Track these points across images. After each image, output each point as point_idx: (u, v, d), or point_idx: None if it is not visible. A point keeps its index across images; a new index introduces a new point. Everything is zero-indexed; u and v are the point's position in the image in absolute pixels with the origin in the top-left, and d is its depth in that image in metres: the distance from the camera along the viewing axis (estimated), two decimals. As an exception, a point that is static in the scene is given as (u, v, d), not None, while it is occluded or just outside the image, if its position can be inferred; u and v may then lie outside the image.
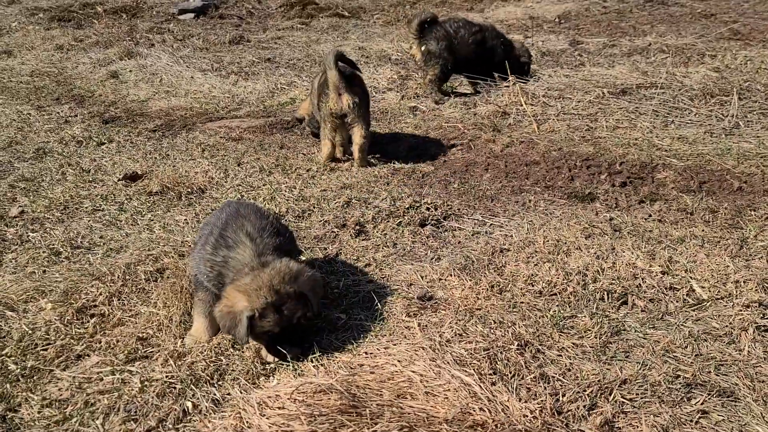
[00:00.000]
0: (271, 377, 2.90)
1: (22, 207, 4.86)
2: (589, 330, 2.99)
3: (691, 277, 3.31)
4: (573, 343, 2.90)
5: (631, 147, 5.33)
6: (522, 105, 6.28)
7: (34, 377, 2.97)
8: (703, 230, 3.79)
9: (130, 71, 9.58)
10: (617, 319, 3.09)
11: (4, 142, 6.58)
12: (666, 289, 3.26)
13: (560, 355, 2.83)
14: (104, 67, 10.01)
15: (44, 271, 3.89)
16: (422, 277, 3.59)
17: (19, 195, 5.14)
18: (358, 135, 5.32)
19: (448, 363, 2.69)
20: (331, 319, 3.26)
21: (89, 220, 4.60)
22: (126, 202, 4.92)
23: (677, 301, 3.18)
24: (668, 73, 6.59)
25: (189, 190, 5.02)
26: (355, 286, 3.57)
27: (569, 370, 2.74)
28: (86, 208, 4.83)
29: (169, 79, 9.05)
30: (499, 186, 4.80)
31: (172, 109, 7.77)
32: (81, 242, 4.25)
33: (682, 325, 3.03)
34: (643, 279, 3.33)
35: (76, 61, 10.76)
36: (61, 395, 2.84)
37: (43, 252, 4.10)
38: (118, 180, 5.27)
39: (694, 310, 3.12)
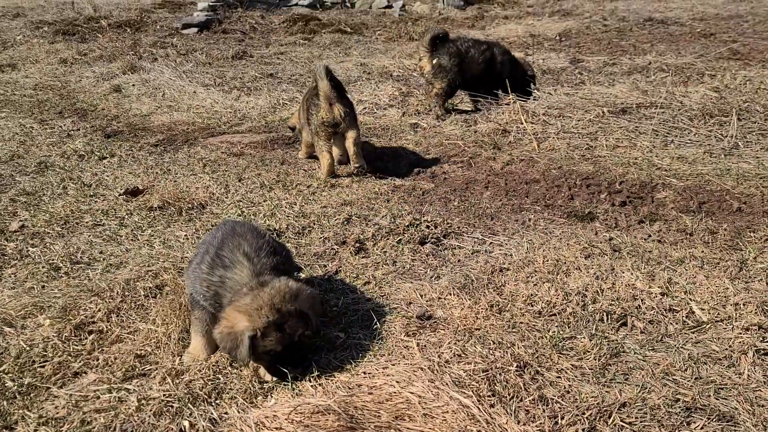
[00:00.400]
0: (269, 396, 2.89)
1: (23, 221, 4.86)
2: (589, 351, 2.98)
3: (690, 299, 3.30)
4: (572, 365, 2.89)
5: (630, 166, 5.35)
6: (522, 123, 6.31)
7: (31, 394, 2.96)
8: (702, 251, 3.79)
9: (133, 85, 9.64)
10: (616, 340, 3.08)
11: (6, 155, 6.60)
12: (665, 310, 3.25)
13: (559, 377, 2.82)
14: (107, 81, 10.07)
15: (43, 287, 3.89)
16: (421, 296, 3.59)
17: (19, 209, 5.14)
18: (351, 139, 5.46)
19: (447, 384, 2.68)
20: (330, 338, 3.25)
21: (89, 235, 4.60)
22: (126, 217, 4.93)
23: (677, 323, 3.18)
24: (668, 92, 6.62)
25: (190, 205, 5.03)
26: (354, 305, 3.57)
27: (568, 392, 2.72)
28: (87, 222, 4.84)
29: (171, 93, 9.11)
30: (499, 204, 4.81)
31: (174, 124, 7.81)
32: (81, 257, 4.25)
33: (681, 347, 3.02)
34: (642, 300, 3.32)
35: (79, 74, 10.84)
36: (57, 413, 2.83)
37: (43, 267, 4.10)
38: (119, 195, 5.29)
39: (693, 332, 3.12)
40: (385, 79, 8.99)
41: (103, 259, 4.23)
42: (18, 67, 11.84)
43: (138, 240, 4.53)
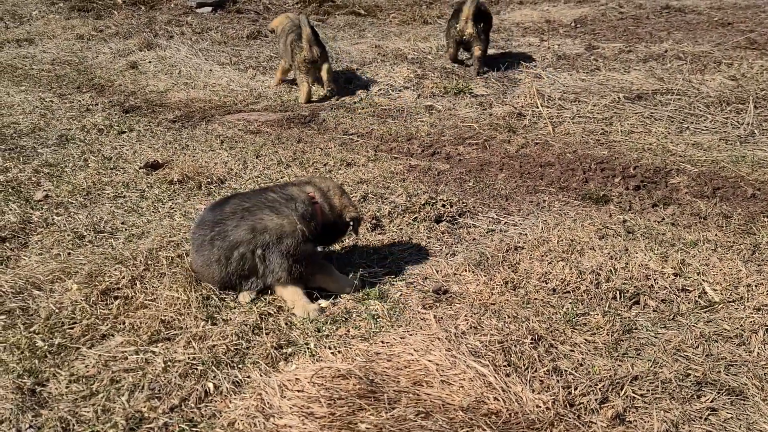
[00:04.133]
0: (290, 362, 2.98)
1: (47, 191, 4.96)
2: (602, 327, 3.06)
3: (703, 280, 3.37)
4: (585, 339, 2.97)
5: (645, 152, 5.39)
6: (538, 107, 6.34)
7: (62, 354, 3.07)
8: (716, 235, 3.85)
9: (150, 62, 9.70)
10: (629, 318, 3.16)
11: (27, 128, 6.70)
12: (678, 290, 3.32)
13: (573, 351, 2.90)
14: (124, 57, 10.14)
15: (69, 254, 3.99)
16: (437, 272, 3.67)
17: (43, 179, 5.25)
18: (326, 72, 7.45)
19: (464, 354, 2.76)
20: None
21: (111, 206, 4.70)
22: (147, 189, 5.02)
23: (689, 303, 3.24)
24: (684, 79, 6.63)
25: (209, 180, 5.11)
26: (371, 278, 3.65)
27: (581, 364, 2.81)
28: (108, 194, 4.94)
29: (187, 71, 9.17)
30: (513, 186, 4.87)
31: (191, 101, 7.88)
32: (104, 227, 4.35)
33: (693, 325, 3.09)
34: (655, 280, 3.39)
35: (96, 50, 10.90)
36: (87, 372, 2.93)
37: (68, 235, 4.20)
38: (140, 168, 5.38)
39: (705, 312, 3.18)
40: (399, 62, 9.01)
41: (126, 229, 4.33)
42: (35, 42, 11.92)
43: (159, 212, 4.63)
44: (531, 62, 8.88)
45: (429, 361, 2.75)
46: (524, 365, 2.75)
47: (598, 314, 3.16)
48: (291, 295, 3.42)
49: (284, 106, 7.54)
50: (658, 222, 4.10)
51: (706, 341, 2.95)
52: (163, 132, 6.53)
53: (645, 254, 3.60)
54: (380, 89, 7.78)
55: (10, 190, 4.96)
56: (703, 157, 5.21)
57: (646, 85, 6.39)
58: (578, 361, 2.83)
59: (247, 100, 7.85)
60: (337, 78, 8.42)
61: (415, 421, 2.39)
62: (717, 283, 3.33)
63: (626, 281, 3.39)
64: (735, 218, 4.06)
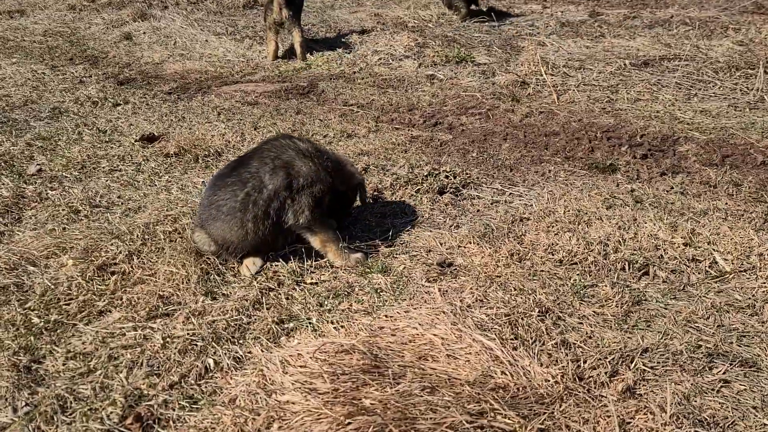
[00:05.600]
0: (292, 337, 2.92)
1: (40, 165, 4.86)
2: (610, 299, 2.99)
3: (713, 250, 3.28)
4: (594, 312, 2.90)
5: (652, 119, 5.27)
6: (542, 75, 6.20)
7: (58, 330, 3.00)
8: (726, 203, 3.76)
9: (144, 33, 9.51)
10: (638, 289, 3.08)
11: (20, 100, 6.57)
12: (688, 260, 3.24)
13: (581, 323, 2.83)
14: (117, 28, 9.94)
15: (64, 229, 3.90)
16: (441, 244, 3.58)
17: (36, 153, 5.14)
18: (296, 36, 7.91)
19: (470, 327, 2.69)
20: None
21: (107, 180, 4.60)
22: (143, 163, 4.91)
23: (699, 273, 3.17)
24: (692, 45, 6.48)
25: (206, 152, 5.00)
26: (372, 251, 3.57)
27: (590, 337, 2.74)
28: (104, 167, 4.83)
29: (183, 42, 8.99)
30: (518, 156, 4.76)
31: (187, 72, 7.72)
32: (99, 201, 4.26)
33: (704, 296, 3.01)
34: (665, 250, 3.31)
35: (88, 21, 10.70)
36: (84, 348, 2.87)
37: (63, 210, 4.11)
38: (135, 141, 5.26)
39: (716, 282, 3.11)
40: (400, 30, 8.82)
41: (122, 204, 4.24)
42: (26, 12, 11.70)
43: (155, 185, 4.53)
44: (534, 29, 8.69)
45: (434, 335, 2.68)
46: (532, 338, 2.68)
47: (606, 286, 3.08)
48: (326, 242, 3.44)
49: (282, 76, 7.39)
50: (667, 191, 4.01)
51: (717, 312, 2.88)
52: (158, 104, 6.40)
53: (654, 224, 3.51)
54: (380, 58, 7.61)
55: (2, 164, 4.85)
56: (712, 125, 5.09)
57: (653, 51, 6.24)
58: (587, 333, 2.76)
59: (244, 71, 7.69)
60: (334, 45, 8.26)
61: (421, 396, 2.33)
62: (728, 253, 3.25)
63: (635, 252, 3.31)
64: (746, 186, 3.97)
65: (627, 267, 3.23)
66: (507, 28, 8.95)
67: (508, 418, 2.18)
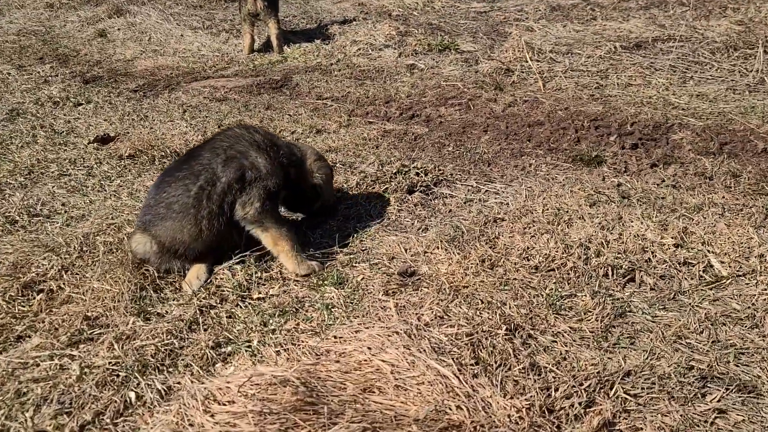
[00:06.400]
0: (229, 363, 2.57)
1: (-16, 172, 4.52)
2: (590, 311, 2.62)
3: (708, 251, 2.91)
4: (570, 327, 2.54)
5: (644, 106, 4.88)
6: (527, 61, 5.81)
7: (-33, 362, 2.66)
8: (723, 197, 3.38)
9: (119, 29, 9.15)
10: (622, 298, 2.72)
11: (-22, 103, 6.23)
12: (679, 264, 2.87)
13: (555, 341, 2.46)
14: (92, 25, 9.59)
15: (-4, 242, 3.56)
16: (406, 250, 3.22)
17: (-16, 159, 4.80)
18: (272, 27, 7.49)
19: (425, 351, 2.34)
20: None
21: (53, 186, 4.25)
22: (95, 166, 4.56)
23: (692, 278, 2.80)
24: (688, 25, 6.07)
25: (162, 153, 4.65)
26: (329, 260, 3.21)
27: (564, 359, 2.38)
28: (52, 172, 4.48)
29: (157, 37, 8.62)
30: (497, 149, 4.38)
31: (157, 69, 7.36)
32: (40, 210, 3.91)
33: (697, 306, 2.64)
34: (653, 253, 2.94)
35: (64, 19, 10.35)
36: (-9, 383, 2.53)
37: (-2, 221, 3.77)
38: (89, 143, 4.91)
39: (711, 289, 2.74)
40: (382, 19, 8.43)
41: (65, 212, 3.89)
42: (2, 12, 11.34)
43: (104, 190, 4.18)
44: (523, 14, 8.28)
45: (383, 361, 2.32)
46: (496, 362, 2.32)
47: (586, 295, 2.72)
48: (279, 240, 3.12)
49: (256, 70, 7.02)
50: (658, 184, 3.63)
51: (712, 325, 2.51)
52: (122, 103, 6.04)
53: (641, 222, 3.14)
54: (359, 49, 7.23)
55: (-56, 172, 4.51)
56: (709, 110, 4.70)
57: (646, 33, 5.84)
58: (561, 354, 2.40)
59: (218, 66, 7.33)
60: (313, 37, 7.89)
61: (360, 439, 1.97)
62: (724, 254, 2.88)
63: (619, 255, 2.94)
64: (745, 177, 3.59)
65: (610, 273, 2.87)
66: (495, 14, 8.55)
67: (458, 468, 1.83)
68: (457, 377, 2.20)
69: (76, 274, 3.19)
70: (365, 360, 2.35)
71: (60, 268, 3.21)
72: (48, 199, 4.05)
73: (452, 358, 2.30)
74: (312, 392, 2.17)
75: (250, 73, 6.89)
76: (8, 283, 3.09)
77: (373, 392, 2.21)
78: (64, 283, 3.11)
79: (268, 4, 7.35)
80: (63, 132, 5.28)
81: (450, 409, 2.09)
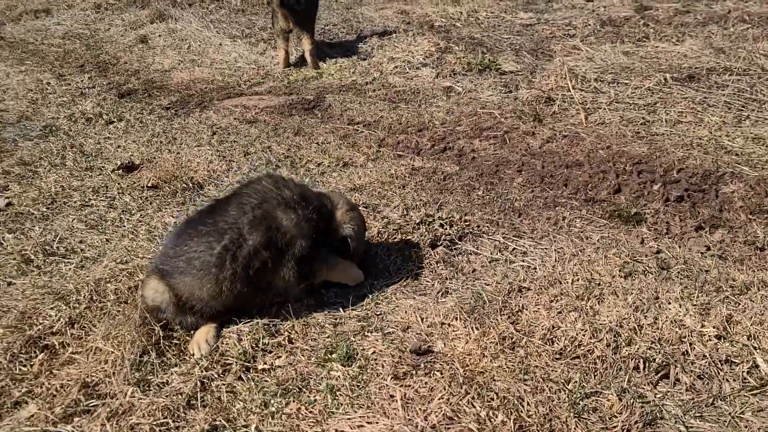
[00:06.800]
0: (223, 450, 2.44)
1: (9, 199, 4.51)
2: (616, 416, 2.38)
3: (755, 347, 2.62)
4: (592, 438, 2.30)
5: (693, 148, 4.52)
6: (569, 90, 5.49)
7: (-38, 429, 2.60)
8: (776, 276, 3.06)
9: (159, 36, 9.17)
10: (653, 401, 2.46)
11: (15, 116, 6.29)
12: (721, 362, 2.59)
13: (574, 455, 2.24)
14: (135, 30, 9.64)
15: (9, 284, 3.52)
16: (422, 319, 3.02)
17: (12, 182, 4.80)
18: (306, 43, 7.28)
19: (427, 463, 2.14)
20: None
21: (73, 219, 4.20)
22: (118, 197, 4.50)
23: (734, 380, 2.52)
24: (747, 51, 5.64)
25: (185, 185, 4.56)
26: (339, 326, 3.04)
27: (583, 479, 2.15)
28: (74, 202, 4.45)
29: (196, 46, 8.59)
30: (530, 196, 4.12)
31: (192, 82, 7.31)
32: (57, 248, 3.86)
33: (737, 416, 2.37)
34: (691, 344, 2.66)
35: (109, 22, 10.45)
36: (-20, 459, 2.46)
37: (13, 259, 3.73)
38: (113, 170, 4.86)
39: (755, 395, 2.46)
40: (423, 31, 8.17)
41: (81, 251, 3.83)
42: (52, 12, 11.54)
43: (123, 226, 4.11)
44: (570, 29, 7.91)
45: (381, 472, 2.14)
46: (505, 482, 2.11)
47: (613, 393, 2.47)
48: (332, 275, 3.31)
49: (290, 87, 6.88)
50: (702, 253, 3.32)
51: (755, 447, 2.24)
52: (153, 121, 6.00)
53: (680, 305, 2.86)
54: (396, 66, 7.01)
55: (-29, 198, 4.52)
56: (765, 156, 4.32)
57: (701, 61, 5.44)
58: (579, 473, 2.17)
59: (252, 80, 7.22)
60: (351, 50, 7.70)
61: None
62: (773, 353, 2.58)
63: (653, 345, 2.68)
64: (802, 251, 3.25)
65: (642, 366, 2.61)
66: (542, 28, 8.20)
67: None
68: (460, 502, 2.00)
69: (83, 327, 3.11)
70: (362, 469, 2.17)
71: (67, 320, 3.14)
72: (66, 235, 3.99)
73: (456, 476, 2.10)
74: None
75: (284, 91, 6.75)
76: (13, 336, 3.03)
77: None
78: (67, 340, 3.03)
79: (301, 20, 7.18)
80: (91, 155, 5.25)
81: None
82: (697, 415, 2.40)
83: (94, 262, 3.71)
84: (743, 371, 2.54)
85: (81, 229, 4.09)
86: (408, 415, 2.40)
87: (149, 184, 4.58)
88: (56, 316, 3.17)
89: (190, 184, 4.57)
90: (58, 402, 2.68)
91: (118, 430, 2.52)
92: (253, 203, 3.02)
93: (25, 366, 2.89)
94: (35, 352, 2.98)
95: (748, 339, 2.66)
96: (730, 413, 2.39)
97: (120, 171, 4.83)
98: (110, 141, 5.55)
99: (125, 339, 2.95)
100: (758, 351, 2.60)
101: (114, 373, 2.82)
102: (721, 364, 2.58)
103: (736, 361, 2.58)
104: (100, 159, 5.17)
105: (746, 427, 2.32)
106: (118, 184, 4.68)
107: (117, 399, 2.68)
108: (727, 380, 2.52)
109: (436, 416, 2.38)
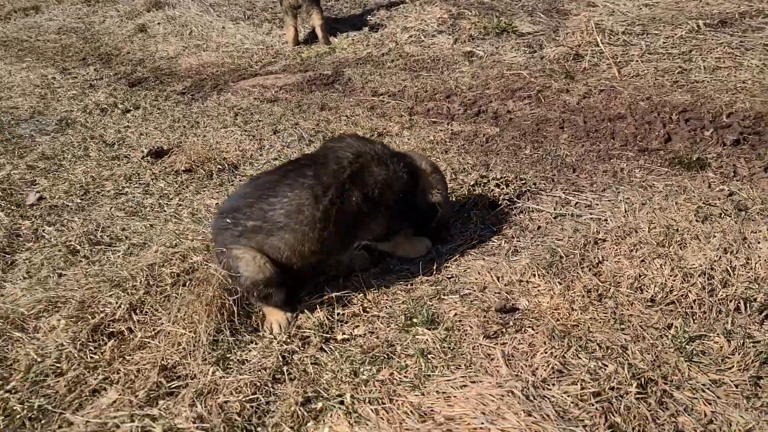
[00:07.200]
0: (321, 422, 2.34)
1: (40, 192, 4.37)
2: (729, 358, 2.30)
3: None
4: (710, 380, 2.22)
5: (738, 93, 4.43)
6: (598, 45, 5.37)
7: (42, 421, 2.49)
8: None
9: (158, 24, 8.95)
10: (764, 341, 2.38)
11: (27, 112, 6.11)
12: (826, 296, 2.51)
13: (695, 398, 2.15)
14: (132, 20, 9.41)
15: (60, 275, 3.40)
16: (498, 279, 2.93)
17: (38, 176, 4.65)
18: (316, 18, 7.13)
19: (550, 417, 2.06)
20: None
21: (111, 208, 4.07)
22: (152, 183, 4.36)
23: (843, 314, 2.44)
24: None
25: (220, 166, 4.43)
26: (412, 292, 2.94)
27: (711, 422, 2.07)
28: (108, 191, 4.30)
29: (198, 31, 8.38)
30: (581, 151, 4.02)
31: (202, 66, 7.13)
32: (101, 237, 3.73)
33: None
34: (791, 282, 2.58)
35: (103, 14, 10.21)
36: (70, 449, 2.35)
37: (59, 250, 3.60)
38: (142, 157, 4.71)
39: None
40: (432, 0, 8.00)
41: (126, 238, 3.70)
42: (41, 9, 11.27)
43: (164, 211, 3.98)
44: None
45: (502, 430, 2.05)
46: (634, 430, 2.03)
47: (719, 336, 2.39)
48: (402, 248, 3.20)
49: (304, 64, 6.72)
50: (778, 192, 3.24)
51: None
52: (171, 107, 5.84)
53: (771, 244, 2.77)
54: (411, 36, 6.86)
55: (0, 193, 4.37)
56: (815, 96, 4.24)
57: (731, 6, 5.32)
58: (707, 416, 2.09)
59: (263, 60, 7.05)
60: (360, 24, 7.53)
61: None
62: None
63: (751, 285, 2.59)
64: None
65: (743, 307, 2.53)
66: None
67: None
68: (593, 453, 1.91)
69: (146, 313, 3.00)
70: (481, 428, 2.08)
71: (128, 306, 3.02)
72: (107, 224, 3.86)
73: (583, 427, 2.01)
74: (428, 474, 1.92)
75: (299, 68, 6.60)
76: (77, 326, 2.92)
77: (497, 471, 1.94)
78: (134, 325, 2.92)
79: None
80: (114, 144, 5.10)
81: (591, 495, 1.81)
82: (811, 350, 2.32)
83: (141, 248, 3.59)
84: None
85: (121, 217, 3.96)
86: (513, 371, 2.31)
87: (183, 168, 4.44)
88: (116, 303, 3.04)
89: (225, 165, 4.43)
90: (140, 386, 2.57)
91: (209, 409, 2.42)
92: (350, 157, 2.90)
93: (95, 354, 2.78)
94: (103, 339, 2.86)
95: None
96: None
97: (149, 157, 4.69)
98: (131, 129, 5.39)
99: (197, 319, 2.84)
100: None
101: (191, 354, 2.71)
102: (826, 298, 2.50)
103: (841, 293, 2.50)
104: (124, 147, 5.01)
105: None
106: (150, 170, 4.54)
107: (199, 379, 2.58)
108: (835, 314, 2.44)
109: (545, 370, 2.29)
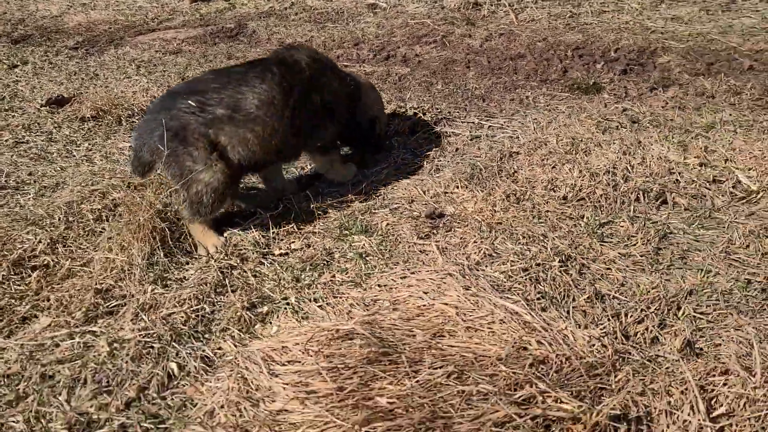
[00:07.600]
0: (269, 323, 2.40)
1: (-73, 146, 4.04)
2: (633, 236, 2.59)
3: (734, 167, 2.92)
4: (619, 253, 2.50)
5: (623, 32, 4.84)
6: (495, -6, 5.66)
7: (-29, 351, 2.38)
8: (730, 114, 3.40)
9: (37, -16, 8.33)
10: (660, 221, 2.69)
11: None
12: (708, 182, 2.87)
13: (609, 269, 2.42)
14: (5, -20, 8.69)
15: (-34, 220, 3.19)
16: (424, 192, 3.09)
17: None
18: None
19: (485, 289, 2.24)
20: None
21: (12, 155, 3.84)
22: (55, 131, 4.16)
23: (723, 196, 2.81)
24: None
25: (129, 112, 4.28)
26: (346, 209, 3.04)
27: (623, 284, 2.34)
28: (6, 141, 4.05)
29: (84, -10, 7.91)
30: (488, 84, 4.26)
31: (92, 24, 6.77)
32: (6, 181, 3.53)
33: (734, 221, 2.66)
34: (680, 174, 2.93)
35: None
36: (9, 369, 2.27)
37: (-40, 197, 3.38)
38: (41, 106, 4.46)
39: (744, 204, 2.76)
40: (329, -41, 8.02)
41: (34, 182, 3.53)
42: None
43: (74, 156, 3.82)
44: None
45: (445, 304, 2.21)
46: (560, 295, 2.26)
47: (624, 221, 2.69)
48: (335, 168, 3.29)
49: (204, 19, 6.56)
50: (663, 107, 3.62)
51: (756, 238, 2.53)
52: (64, 62, 5.53)
53: (661, 145, 3.12)
54: (313, -9, 6.86)
55: None
56: (687, 31, 4.72)
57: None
58: (619, 280, 2.36)
59: (160, 17, 6.80)
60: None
61: (449, 384, 1.87)
62: (749, 169, 2.90)
63: (647, 178, 2.92)
64: (746, 93, 3.62)
65: (642, 196, 2.84)
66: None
67: (564, 402, 1.76)
68: (528, 312, 2.12)
69: (71, 246, 2.90)
70: (425, 305, 2.24)
71: (50, 241, 2.91)
72: (11, 170, 3.66)
73: (517, 294, 2.22)
74: (382, 342, 2.05)
75: (199, 23, 6.43)
76: (-5, 262, 2.78)
77: (444, 336, 2.10)
78: (59, 257, 2.82)
79: None
80: (5, 97, 4.78)
81: (530, 344, 2.01)
82: (700, 226, 2.66)
83: (53, 190, 3.44)
84: (729, 188, 2.84)
85: (26, 163, 3.76)
86: (449, 258, 2.48)
87: (89, 115, 4.26)
88: (35, 239, 2.92)
89: (135, 111, 4.30)
90: (75, 308, 2.51)
91: (153, 321, 2.41)
92: (308, 61, 2.93)
93: (20, 285, 2.67)
94: (27, 272, 2.75)
95: (726, 162, 2.96)
96: (727, 220, 2.67)
97: (50, 106, 4.44)
98: (21, 83, 5.07)
99: (129, 244, 2.79)
100: (737, 169, 2.91)
101: (127, 276, 2.68)
102: (709, 185, 2.86)
103: (721, 179, 2.88)
104: (17, 100, 4.72)
105: (746, 228, 2.60)
106: (51, 119, 4.31)
107: (138, 298, 2.55)
108: (717, 196, 2.81)
109: (477, 256, 2.48)
